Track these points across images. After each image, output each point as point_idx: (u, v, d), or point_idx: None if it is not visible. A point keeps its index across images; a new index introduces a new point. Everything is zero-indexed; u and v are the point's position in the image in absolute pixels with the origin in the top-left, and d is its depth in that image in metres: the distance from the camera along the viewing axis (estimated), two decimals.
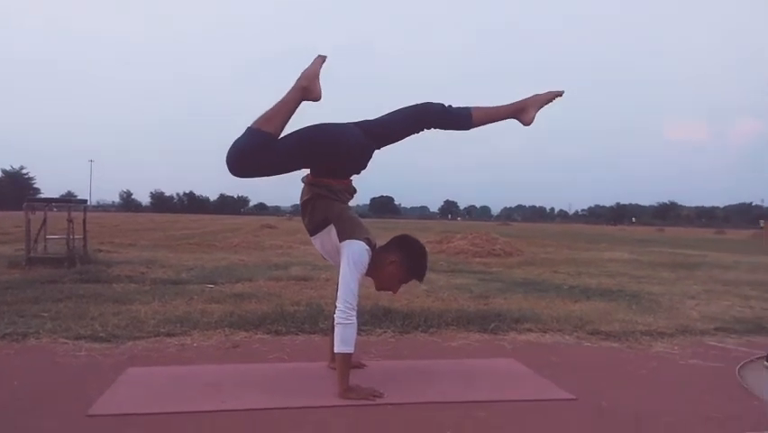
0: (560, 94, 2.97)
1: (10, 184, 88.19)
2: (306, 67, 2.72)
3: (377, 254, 2.77)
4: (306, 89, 2.68)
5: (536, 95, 2.95)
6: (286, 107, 2.66)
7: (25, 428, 2.21)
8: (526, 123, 2.94)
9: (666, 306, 5.47)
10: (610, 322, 4.51)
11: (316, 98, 2.72)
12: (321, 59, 2.76)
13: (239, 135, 2.64)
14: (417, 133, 2.89)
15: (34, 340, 3.55)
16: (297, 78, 2.69)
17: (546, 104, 2.97)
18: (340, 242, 2.70)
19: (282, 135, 2.67)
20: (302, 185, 2.89)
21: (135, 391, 2.68)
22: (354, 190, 2.90)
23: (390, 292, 2.91)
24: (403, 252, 2.82)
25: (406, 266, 2.80)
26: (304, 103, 2.71)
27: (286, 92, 2.69)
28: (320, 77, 2.72)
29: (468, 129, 2.92)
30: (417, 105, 2.88)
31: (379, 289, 2.92)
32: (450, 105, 2.88)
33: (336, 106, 2.78)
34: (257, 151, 2.63)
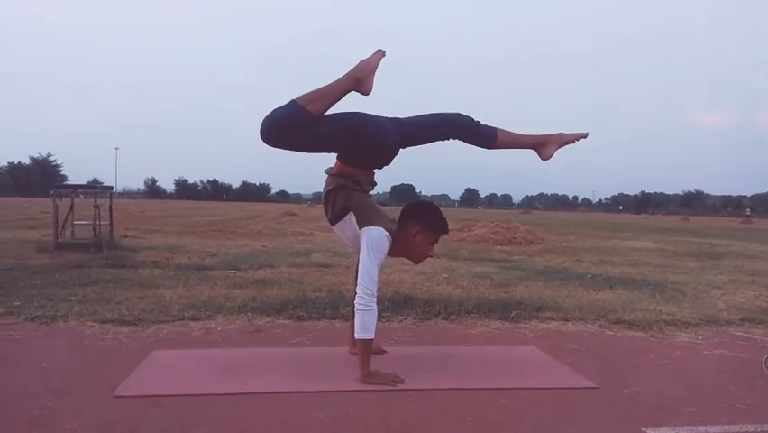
0: (584, 136, 3.00)
1: (38, 171, 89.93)
2: (365, 58, 2.71)
3: (398, 234, 2.78)
4: (360, 81, 2.67)
5: (561, 133, 2.97)
6: (334, 93, 2.65)
7: (54, 408, 2.26)
8: (544, 158, 2.98)
9: (691, 295, 5.39)
10: (634, 311, 4.47)
11: (366, 92, 2.71)
12: (381, 54, 2.75)
13: (281, 105, 2.64)
14: (442, 141, 2.91)
15: (62, 323, 3.63)
16: (353, 67, 2.68)
17: (568, 144, 2.99)
18: (359, 228, 2.71)
19: (322, 116, 2.66)
20: (324, 175, 2.90)
21: (160, 373, 2.73)
22: (375, 183, 2.90)
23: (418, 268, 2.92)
24: (419, 219, 2.84)
25: (430, 229, 2.84)
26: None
27: (338, 77, 2.66)
28: (375, 72, 2.71)
29: (489, 149, 2.95)
30: (449, 114, 2.88)
31: (417, 262, 2.97)
32: (479, 122, 2.88)
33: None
34: (295, 126, 2.64)
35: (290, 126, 2.64)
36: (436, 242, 2.90)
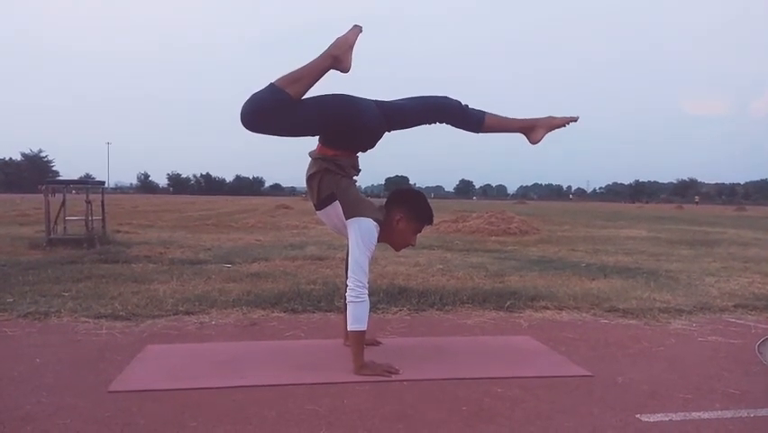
0: (574, 119, 2.97)
1: (29, 167, 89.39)
2: (341, 35, 2.64)
3: (383, 220, 2.76)
4: (337, 59, 2.61)
5: (551, 117, 2.94)
6: (312, 73, 2.60)
7: (48, 404, 2.26)
8: (533, 142, 2.94)
9: (685, 283, 5.42)
10: (628, 299, 4.49)
11: (345, 69, 2.65)
12: (357, 30, 2.69)
13: (260, 89, 2.59)
14: (429, 124, 2.87)
15: (56, 319, 3.61)
16: (329, 45, 2.62)
17: (558, 128, 2.96)
18: (346, 219, 2.69)
19: (303, 99, 2.61)
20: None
21: (155, 367, 2.72)
22: (359, 168, 2.86)
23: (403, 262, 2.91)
24: (404, 205, 2.83)
25: (413, 216, 2.82)
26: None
27: (315, 56, 2.61)
28: (353, 48, 2.65)
29: (477, 132, 2.92)
30: (437, 98, 2.85)
31: (398, 249, 2.95)
32: (467, 105, 2.86)
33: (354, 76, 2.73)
34: (275, 110, 2.58)
35: (271, 110, 2.59)
36: (419, 231, 2.89)
